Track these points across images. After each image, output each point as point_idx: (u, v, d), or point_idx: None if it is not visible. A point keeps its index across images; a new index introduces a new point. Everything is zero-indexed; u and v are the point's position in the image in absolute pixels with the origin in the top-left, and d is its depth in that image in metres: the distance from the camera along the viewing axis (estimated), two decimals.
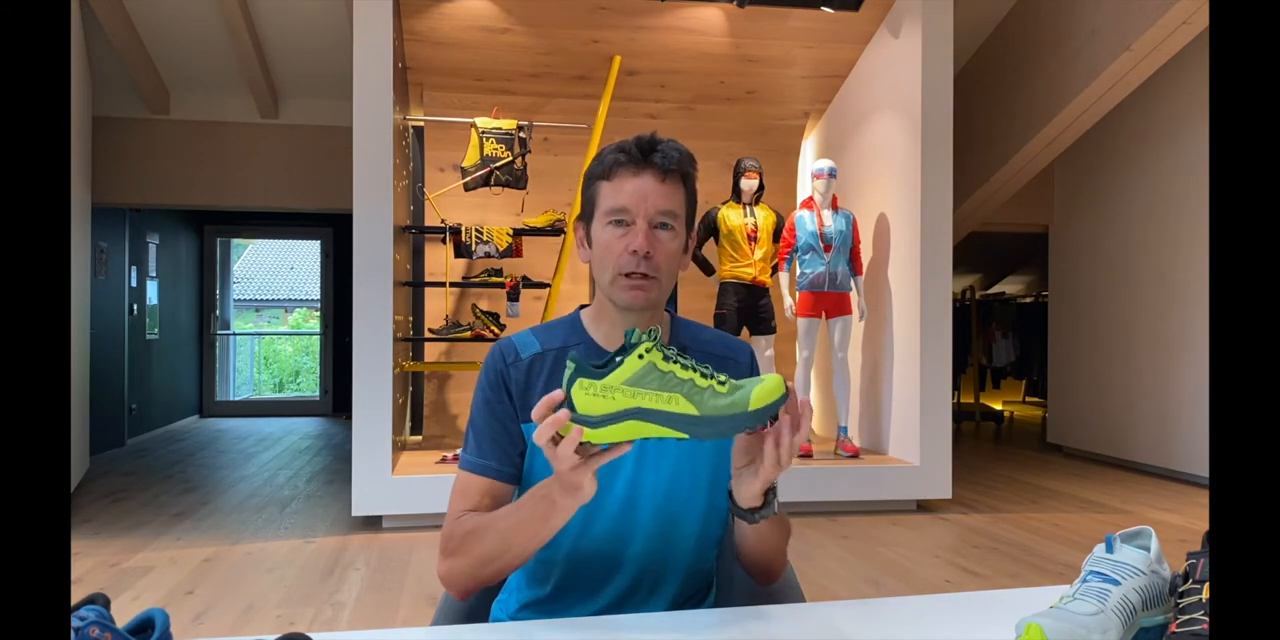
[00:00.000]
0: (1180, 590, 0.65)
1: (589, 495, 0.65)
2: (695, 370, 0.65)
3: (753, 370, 0.91)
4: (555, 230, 3.57)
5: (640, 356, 0.64)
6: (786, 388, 0.65)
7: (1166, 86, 4.04)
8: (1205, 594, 0.61)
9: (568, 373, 0.63)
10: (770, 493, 0.74)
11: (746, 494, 0.72)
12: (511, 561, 0.74)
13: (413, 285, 3.94)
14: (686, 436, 0.64)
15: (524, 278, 3.68)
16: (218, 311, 7.19)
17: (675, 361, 0.65)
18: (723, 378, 0.65)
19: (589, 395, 0.62)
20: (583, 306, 0.90)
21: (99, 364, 4.56)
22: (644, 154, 0.79)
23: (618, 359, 0.64)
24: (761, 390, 0.63)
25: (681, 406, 0.63)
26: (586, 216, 0.84)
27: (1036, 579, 2.50)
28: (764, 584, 0.87)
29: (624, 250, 0.78)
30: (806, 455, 3.40)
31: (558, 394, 0.62)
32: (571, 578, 0.84)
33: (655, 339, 0.65)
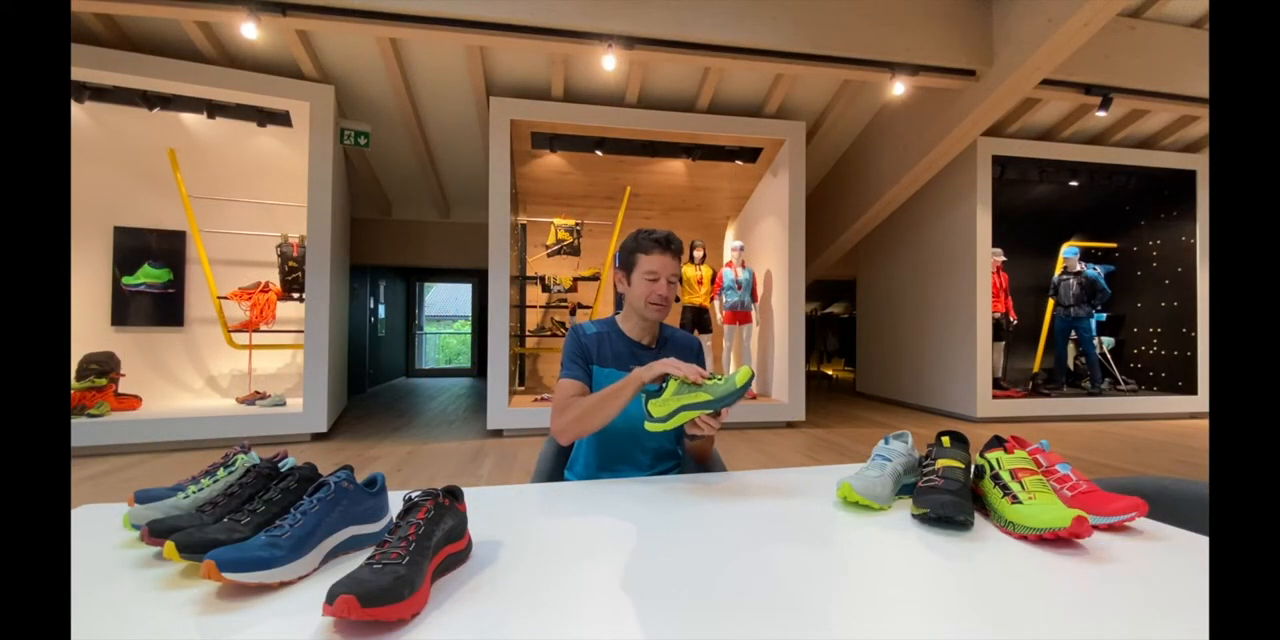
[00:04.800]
0: (923, 464, 1.12)
1: (649, 379, 1.22)
2: (704, 378, 1.17)
3: (700, 354, 1.56)
4: (595, 278, 6.09)
5: (676, 381, 1.18)
6: (752, 373, 1.16)
7: (929, 193, 6.28)
8: (936, 465, 1.06)
9: (644, 399, 1.19)
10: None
11: (695, 434, 1.23)
12: (602, 421, 1.29)
13: (519, 307, 5.85)
14: (711, 410, 1.15)
15: (579, 303, 6.18)
16: (417, 321, 11.70)
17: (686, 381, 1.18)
18: (718, 377, 1.17)
19: (656, 406, 1.17)
20: (615, 313, 1.58)
21: (354, 349, 7.40)
22: (667, 244, 1.45)
23: (663, 385, 1.19)
24: (741, 376, 1.15)
25: (703, 396, 1.15)
26: (627, 268, 1.48)
27: (849, 461, 3.81)
28: (699, 461, 1.47)
29: (656, 292, 1.45)
30: (752, 398, 5.50)
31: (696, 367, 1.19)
32: (605, 456, 1.44)
33: (676, 379, 1.18)
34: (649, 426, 1.16)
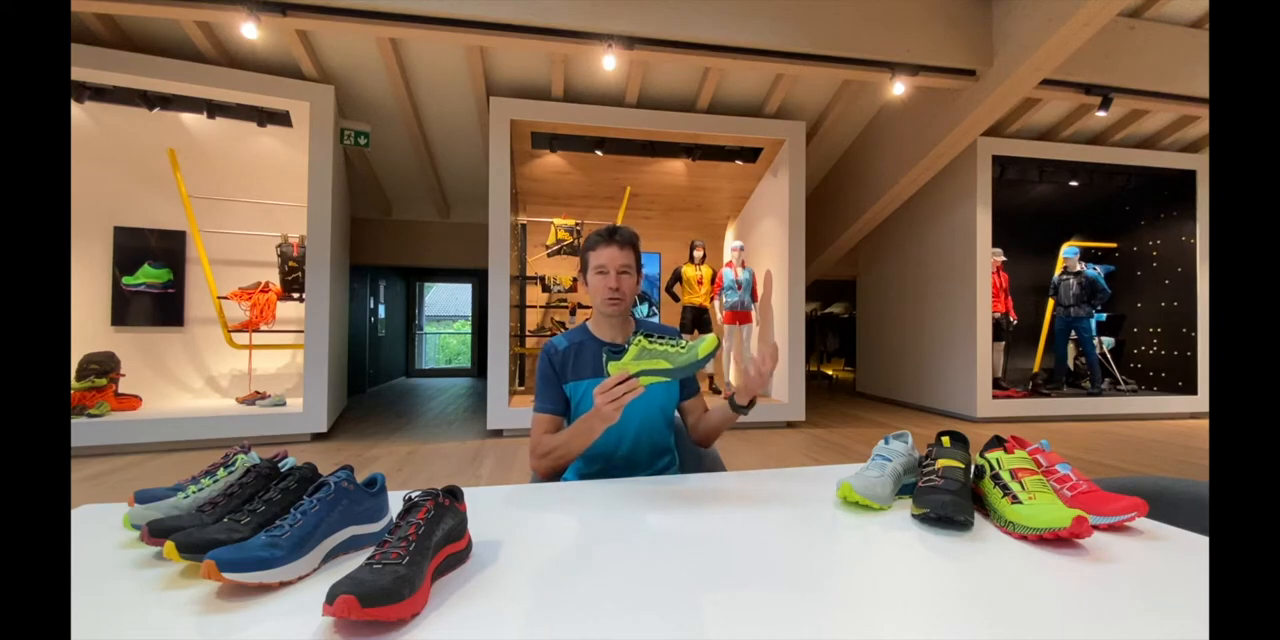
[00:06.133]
0: (923, 464, 1.11)
1: (615, 420, 1.15)
2: (666, 344, 1.15)
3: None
4: None
5: (636, 345, 1.15)
6: (719, 342, 1.15)
7: (929, 193, 6.31)
8: (936, 465, 1.05)
9: (606, 360, 1.15)
10: (752, 402, 1.34)
11: (741, 400, 1.33)
12: (572, 457, 1.31)
13: (519, 307, 5.86)
14: (669, 378, 1.13)
15: (578, 303, 6.22)
16: (417, 321, 11.82)
17: (655, 343, 1.15)
18: (683, 344, 1.15)
19: (615, 368, 1.12)
20: (587, 320, 1.55)
21: (354, 348, 7.51)
22: (611, 236, 1.41)
23: (626, 346, 1.16)
24: (704, 346, 1.12)
25: (662, 364, 1.12)
26: (584, 270, 1.45)
27: (849, 461, 3.81)
28: (704, 447, 1.52)
29: (605, 286, 1.41)
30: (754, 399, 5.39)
31: (623, 375, 1.10)
32: (601, 458, 1.42)
33: (642, 335, 1.16)
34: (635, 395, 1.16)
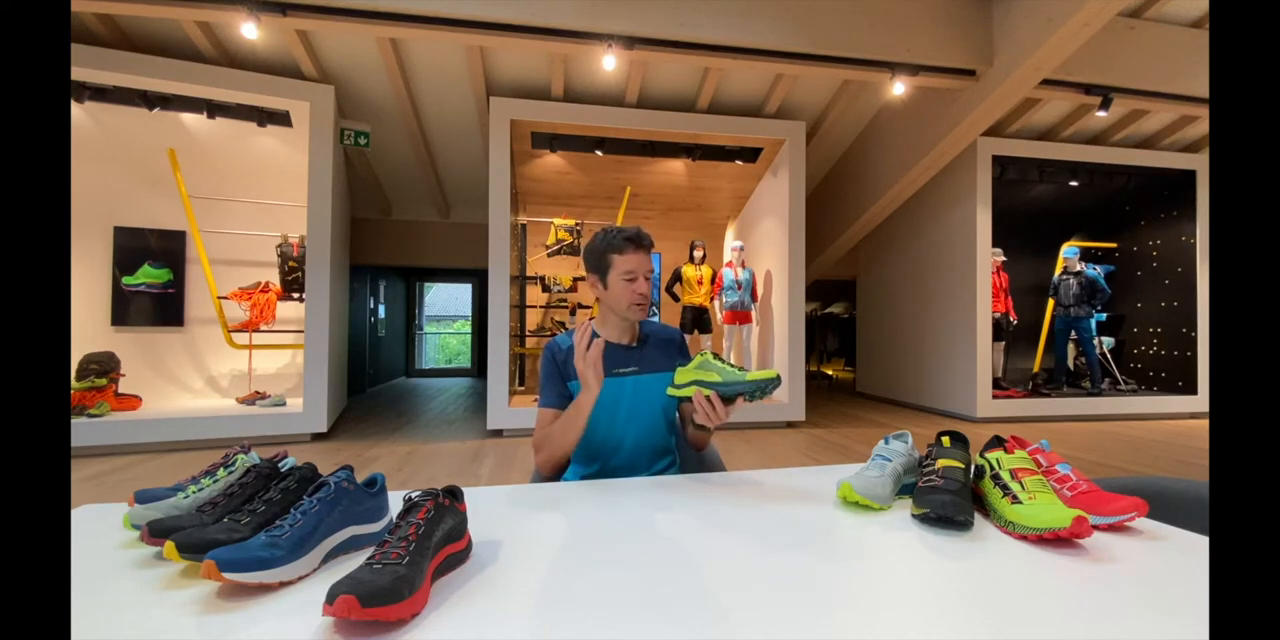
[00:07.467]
0: (923, 464, 1.12)
1: (596, 388, 1.25)
2: (727, 364, 1.23)
3: (683, 345, 1.57)
4: None
5: (702, 355, 1.26)
6: (778, 377, 1.16)
7: (929, 193, 6.31)
8: (936, 465, 1.05)
9: (678, 364, 1.33)
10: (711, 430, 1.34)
11: (700, 423, 1.27)
12: (568, 446, 1.30)
13: (519, 307, 5.91)
14: (712, 391, 1.18)
15: (579, 303, 6.29)
16: (417, 321, 11.89)
17: (717, 359, 1.25)
18: (740, 367, 1.22)
19: (680, 373, 1.26)
20: (591, 318, 1.56)
21: (354, 348, 7.51)
22: (639, 240, 1.42)
23: (694, 357, 1.29)
24: (757, 373, 1.17)
25: (713, 377, 1.20)
26: (600, 271, 1.44)
27: (849, 461, 3.83)
28: (697, 450, 1.49)
29: (636, 292, 1.42)
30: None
31: (600, 342, 1.24)
32: (601, 458, 1.43)
33: (709, 352, 1.26)
34: (669, 391, 1.28)
